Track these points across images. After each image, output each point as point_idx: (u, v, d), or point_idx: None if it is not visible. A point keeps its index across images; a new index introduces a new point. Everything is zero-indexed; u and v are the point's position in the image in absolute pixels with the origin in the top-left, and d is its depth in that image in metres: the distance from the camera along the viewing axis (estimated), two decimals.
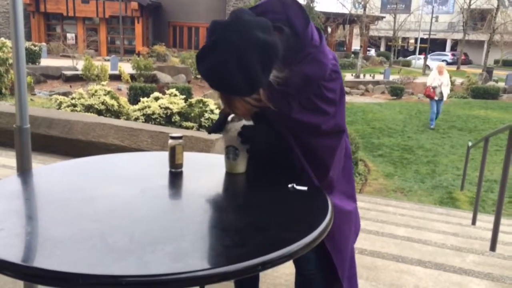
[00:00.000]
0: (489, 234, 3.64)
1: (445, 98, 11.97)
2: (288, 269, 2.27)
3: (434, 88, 11.56)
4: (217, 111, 8.68)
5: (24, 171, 1.69)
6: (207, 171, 1.64)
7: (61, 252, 0.96)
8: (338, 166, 1.51)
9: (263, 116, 1.40)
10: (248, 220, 1.23)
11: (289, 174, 1.48)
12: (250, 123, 1.50)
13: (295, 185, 1.42)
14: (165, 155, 1.60)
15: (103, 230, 1.08)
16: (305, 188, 1.41)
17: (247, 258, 0.96)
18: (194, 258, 0.96)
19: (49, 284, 0.89)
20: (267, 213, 1.29)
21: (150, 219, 1.17)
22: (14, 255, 0.95)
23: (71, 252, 0.96)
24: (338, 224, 1.47)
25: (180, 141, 1.55)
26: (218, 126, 1.54)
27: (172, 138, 1.56)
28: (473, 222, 4.76)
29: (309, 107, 1.35)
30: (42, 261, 0.92)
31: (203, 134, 4.98)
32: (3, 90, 11.09)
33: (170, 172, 1.55)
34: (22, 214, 1.19)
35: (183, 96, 9.37)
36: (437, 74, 11.71)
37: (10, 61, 10.77)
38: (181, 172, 1.55)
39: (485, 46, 34.63)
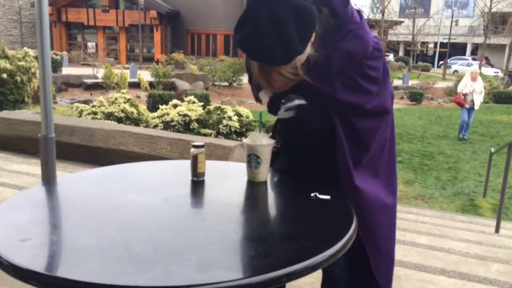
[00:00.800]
0: None
1: (476, 107, 10.98)
2: (309, 278, 2.25)
3: (465, 95, 10.74)
4: (235, 118, 8.71)
5: (48, 179, 1.71)
6: (229, 180, 1.63)
7: (86, 262, 0.97)
8: (380, 143, 1.45)
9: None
10: (271, 230, 1.22)
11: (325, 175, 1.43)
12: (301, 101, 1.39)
13: (318, 194, 1.41)
14: (186, 164, 1.61)
15: (127, 240, 1.08)
16: (328, 197, 1.40)
17: (272, 269, 0.95)
18: (220, 269, 0.95)
19: None
20: (290, 222, 1.28)
21: (174, 228, 1.17)
22: (40, 265, 0.96)
23: (96, 262, 0.97)
24: (378, 220, 1.42)
25: (202, 149, 1.56)
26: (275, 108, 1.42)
27: (195, 146, 1.56)
28: (497, 230, 4.65)
29: (352, 86, 1.32)
30: (68, 272, 0.93)
31: (222, 141, 5.00)
32: (26, 99, 11.32)
33: (192, 181, 1.55)
34: (48, 223, 1.21)
35: (201, 103, 9.43)
36: (470, 80, 10.83)
37: (33, 70, 11.02)
38: (203, 181, 1.56)
39: (507, 49, 34.06)
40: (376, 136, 1.43)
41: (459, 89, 11.05)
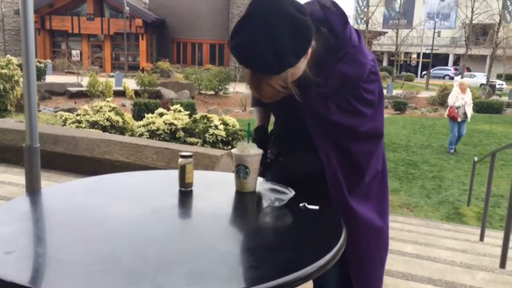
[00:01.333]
0: (498, 251, 3.59)
1: (469, 119, 10.66)
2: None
3: (457, 108, 10.33)
4: (221, 127, 8.69)
5: (33, 190, 1.68)
6: (217, 190, 1.62)
7: (73, 275, 0.95)
8: (373, 172, 1.45)
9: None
10: (260, 241, 1.22)
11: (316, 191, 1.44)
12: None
13: (306, 204, 1.41)
14: (173, 174, 1.60)
15: (115, 252, 1.06)
16: (316, 207, 1.40)
17: (263, 281, 0.94)
18: (209, 281, 0.94)
19: None
20: (280, 233, 1.28)
21: (162, 240, 1.16)
22: (26, 279, 0.94)
23: (83, 275, 0.95)
24: (367, 242, 1.43)
25: (190, 159, 1.55)
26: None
27: (182, 157, 1.55)
28: (481, 238, 4.71)
29: (347, 108, 1.32)
30: (54, 285, 0.91)
31: (208, 150, 4.98)
32: (9, 107, 11.16)
33: (180, 191, 1.54)
34: (33, 235, 1.18)
35: (187, 112, 9.39)
36: (460, 93, 10.43)
37: (16, 78, 10.88)
38: (191, 191, 1.54)
39: (488, 60, 34.74)
40: (371, 161, 1.43)
41: (450, 103, 10.59)
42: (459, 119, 10.45)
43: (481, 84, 31.75)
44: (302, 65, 1.24)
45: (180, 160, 1.54)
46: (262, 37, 1.14)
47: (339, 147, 1.37)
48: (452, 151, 11.07)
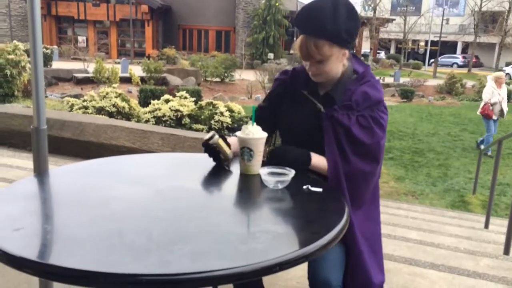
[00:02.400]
0: (502, 238, 3.60)
1: (505, 117, 9.60)
2: (301, 271, 2.27)
3: (493, 104, 9.13)
4: (227, 113, 8.70)
5: (40, 172, 1.70)
6: (222, 173, 1.64)
7: (80, 251, 0.97)
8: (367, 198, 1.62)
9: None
10: (264, 221, 1.23)
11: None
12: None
13: (309, 187, 1.42)
14: (178, 156, 1.61)
15: (121, 230, 1.08)
16: (320, 189, 1.41)
17: (265, 258, 0.96)
18: (213, 258, 0.96)
19: (70, 282, 0.90)
20: (283, 213, 1.29)
21: (167, 219, 1.18)
22: (35, 254, 0.96)
23: (90, 251, 0.97)
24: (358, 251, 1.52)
25: (217, 137, 1.57)
26: None
27: (209, 140, 1.56)
28: (486, 226, 4.71)
29: (364, 124, 1.53)
30: (63, 260, 0.93)
31: None
32: (16, 92, 11.21)
33: (183, 174, 1.55)
34: (41, 214, 1.21)
35: (193, 99, 9.40)
36: (496, 88, 9.24)
37: (23, 63, 10.92)
38: (195, 173, 1.56)
39: (497, 48, 34.38)
40: (369, 185, 1.58)
41: (485, 98, 9.31)
42: (494, 117, 9.25)
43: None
44: (340, 62, 1.54)
45: (213, 139, 1.55)
46: (328, 8, 1.45)
47: (345, 159, 1.53)
48: (489, 153, 9.25)
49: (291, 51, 30.69)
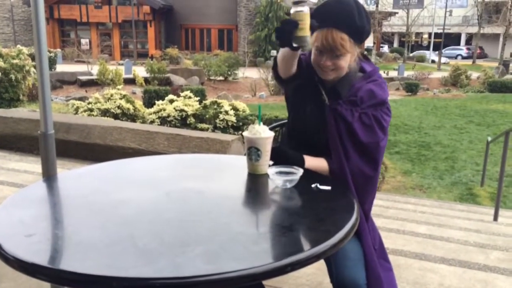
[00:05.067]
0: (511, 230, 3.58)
1: None
2: (310, 269, 2.27)
3: None
4: (231, 112, 8.70)
5: (49, 176, 1.71)
6: (230, 173, 1.64)
7: (93, 255, 0.97)
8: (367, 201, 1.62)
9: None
10: (273, 221, 1.23)
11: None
12: None
13: (318, 185, 1.42)
14: (185, 157, 1.61)
15: (132, 234, 1.09)
16: (328, 187, 1.41)
17: (277, 259, 0.96)
18: (225, 260, 0.96)
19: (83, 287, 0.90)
20: (292, 213, 1.29)
21: (178, 221, 1.18)
22: (47, 259, 0.97)
23: (103, 255, 0.97)
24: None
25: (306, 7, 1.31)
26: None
27: (296, 3, 1.31)
28: (495, 218, 4.68)
29: (366, 122, 1.53)
30: (76, 265, 0.93)
31: (219, 135, 4.99)
32: (21, 97, 11.27)
33: (191, 175, 1.55)
34: (52, 218, 1.21)
35: (197, 98, 9.42)
36: None
37: (27, 67, 10.96)
38: (203, 174, 1.56)
39: (501, 39, 34.12)
40: (368, 187, 1.59)
41: None
42: None
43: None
44: (353, 59, 1.54)
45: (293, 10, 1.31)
46: (353, 6, 1.48)
47: (346, 154, 1.54)
48: None
49: None
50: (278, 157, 1.54)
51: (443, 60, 33.06)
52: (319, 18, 1.42)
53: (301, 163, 1.53)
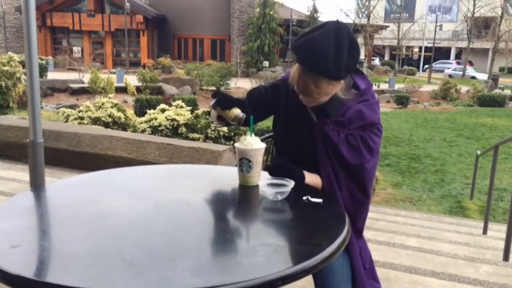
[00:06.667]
0: (501, 244, 3.59)
1: None
2: (300, 282, 2.25)
3: None
4: None
5: (37, 185, 1.68)
6: (220, 184, 1.63)
7: (79, 268, 0.95)
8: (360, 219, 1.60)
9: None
10: (264, 234, 1.22)
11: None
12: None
13: (309, 197, 1.41)
14: (175, 168, 1.60)
15: (120, 246, 1.07)
16: (320, 200, 1.40)
17: (267, 273, 0.95)
18: (214, 273, 0.95)
19: None
20: (283, 226, 1.28)
21: (166, 233, 1.16)
22: (32, 272, 0.94)
23: (89, 268, 0.96)
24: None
25: (213, 111, 1.60)
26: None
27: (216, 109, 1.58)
28: (484, 232, 4.70)
29: (352, 143, 1.51)
30: (60, 278, 0.91)
31: (210, 146, 4.98)
32: (11, 104, 11.18)
33: (181, 186, 1.53)
34: (38, 230, 1.19)
35: (189, 108, 9.39)
36: None
37: (18, 75, 10.89)
38: (193, 185, 1.54)
39: (490, 54, 34.62)
40: (360, 211, 1.57)
41: None
42: None
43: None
44: (337, 87, 1.46)
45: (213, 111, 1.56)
46: (331, 42, 1.36)
47: (337, 175, 1.53)
48: None
49: (286, 59, 30.80)
50: (282, 170, 1.53)
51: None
52: (296, 54, 1.41)
53: (303, 178, 1.53)
